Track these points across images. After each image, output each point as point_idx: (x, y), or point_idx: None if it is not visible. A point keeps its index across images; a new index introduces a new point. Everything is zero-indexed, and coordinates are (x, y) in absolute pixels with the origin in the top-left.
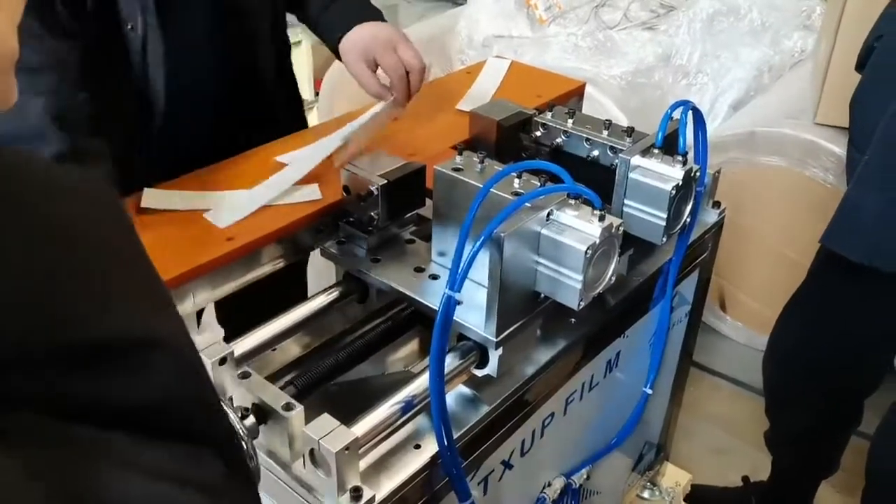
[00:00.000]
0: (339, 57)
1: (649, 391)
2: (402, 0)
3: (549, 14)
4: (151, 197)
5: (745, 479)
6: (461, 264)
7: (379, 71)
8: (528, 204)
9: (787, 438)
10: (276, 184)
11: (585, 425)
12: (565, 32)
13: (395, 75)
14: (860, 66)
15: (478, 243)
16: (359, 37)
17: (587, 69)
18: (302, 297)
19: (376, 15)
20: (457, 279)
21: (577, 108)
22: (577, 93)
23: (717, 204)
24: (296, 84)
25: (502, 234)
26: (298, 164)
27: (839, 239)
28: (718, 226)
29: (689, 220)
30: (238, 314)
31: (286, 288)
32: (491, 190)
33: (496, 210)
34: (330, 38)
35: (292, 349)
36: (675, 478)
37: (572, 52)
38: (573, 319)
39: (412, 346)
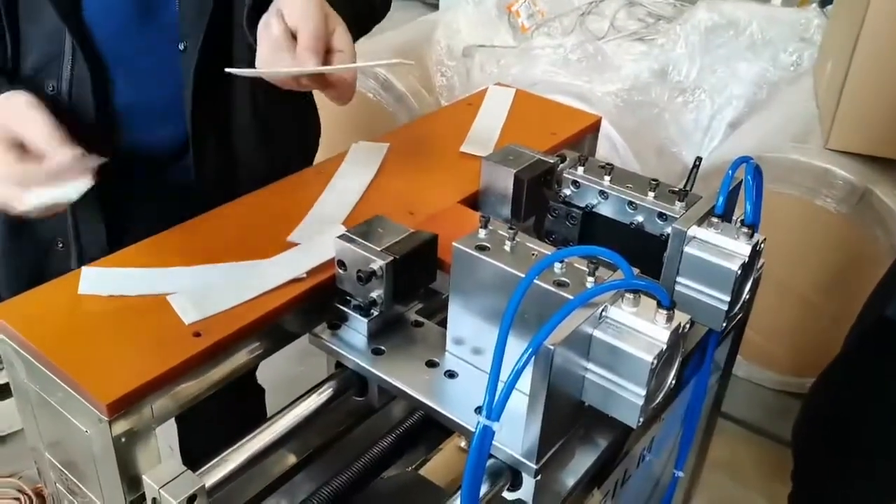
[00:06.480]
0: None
1: (681, 474)
2: None
3: (532, 22)
4: (91, 280)
5: None
6: (498, 386)
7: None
8: None
9: None
10: (275, 272)
11: None
12: (552, 44)
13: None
14: None
15: (522, 359)
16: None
17: (580, 85)
18: None
19: None
20: (493, 407)
21: (593, 146)
22: (593, 129)
23: None
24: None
25: (552, 347)
26: (313, 248)
27: None
28: (757, 281)
29: (748, 296)
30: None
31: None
32: None
33: (533, 302)
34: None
35: (276, 462)
36: None
37: (562, 66)
38: None
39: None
